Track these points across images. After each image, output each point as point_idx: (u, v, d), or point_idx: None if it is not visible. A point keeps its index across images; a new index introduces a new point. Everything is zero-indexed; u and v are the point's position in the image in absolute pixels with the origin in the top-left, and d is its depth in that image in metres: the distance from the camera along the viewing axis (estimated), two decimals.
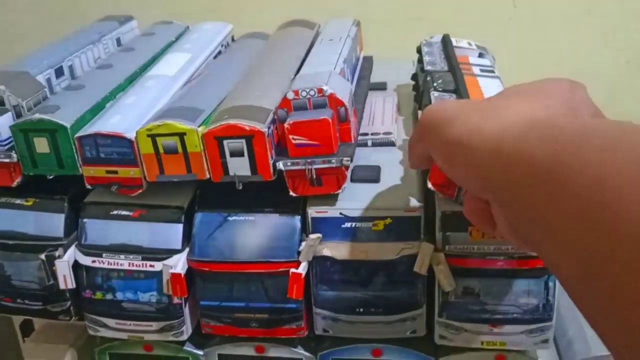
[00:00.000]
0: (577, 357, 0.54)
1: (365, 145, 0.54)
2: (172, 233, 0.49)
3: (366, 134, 0.54)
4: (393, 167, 0.50)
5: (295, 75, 0.49)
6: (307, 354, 0.52)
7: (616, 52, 0.82)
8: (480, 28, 0.82)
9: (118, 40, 0.64)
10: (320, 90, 0.44)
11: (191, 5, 0.81)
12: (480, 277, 0.46)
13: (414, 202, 0.46)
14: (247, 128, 0.43)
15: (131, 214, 0.49)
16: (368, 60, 0.64)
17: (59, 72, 0.54)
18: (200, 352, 0.53)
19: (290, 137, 0.44)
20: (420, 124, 0.38)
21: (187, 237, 0.49)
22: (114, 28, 0.64)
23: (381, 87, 0.66)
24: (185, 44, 0.61)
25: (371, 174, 0.49)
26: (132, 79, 0.54)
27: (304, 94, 0.44)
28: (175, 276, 0.47)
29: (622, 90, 0.83)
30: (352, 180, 0.48)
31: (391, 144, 0.54)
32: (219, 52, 0.63)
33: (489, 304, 0.46)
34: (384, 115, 0.58)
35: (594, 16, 0.80)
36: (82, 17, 0.74)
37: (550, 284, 0.45)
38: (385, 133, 0.55)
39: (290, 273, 0.46)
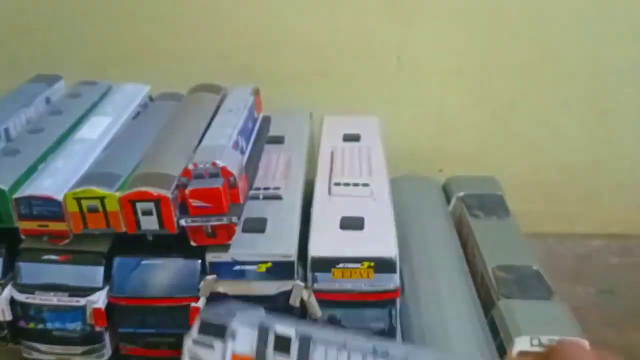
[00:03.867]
0: None
1: (257, 198, 0.66)
2: (94, 274, 0.59)
3: (259, 188, 0.67)
4: (278, 219, 0.63)
5: (198, 145, 0.61)
6: None
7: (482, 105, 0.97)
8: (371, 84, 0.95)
9: (47, 100, 0.73)
10: (214, 164, 0.56)
11: (114, 59, 0.91)
12: (341, 307, 0.58)
13: (289, 250, 0.58)
14: (155, 194, 0.55)
15: (59, 258, 0.60)
16: (266, 120, 0.77)
17: None
18: None
19: (190, 200, 0.56)
20: None
21: (107, 277, 0.60)
22: (44, 89, 0.73)
23: (279, 140, 0.78)
24: (107, 106, 0.71)
25: (258, 225, 0.61)
26: (60, 141, 0.65)
27: (201, 166, 0.56)
28: (96, 310, 0.58)
29: (489, 137, 0.98)
30: (243, 231, 0.61)
31: (279, 197, 0.66)
32: (138, 113, 0.73)
33: (348, 328, 0.59)
34: (276, 170, 0.71)
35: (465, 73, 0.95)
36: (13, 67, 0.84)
37: (393, 312, 0.59)
38: (274, 188, 0.67)
39: (191, 306, 0.57)
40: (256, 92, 0.74)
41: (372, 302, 0.58)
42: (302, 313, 0.60)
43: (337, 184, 0.67)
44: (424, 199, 0.89)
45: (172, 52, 0.89)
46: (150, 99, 0.78)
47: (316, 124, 0.85)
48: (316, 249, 0.58)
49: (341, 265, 0.56)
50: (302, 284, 0.58)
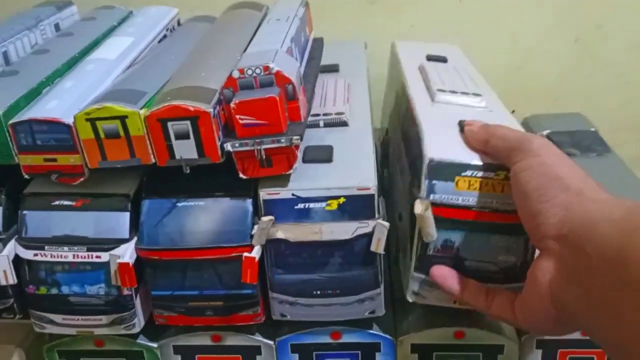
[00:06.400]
0: None
1: (317, 126, 0.52)
2: (118, 222, 0.47)
3: (318, 115, 0.53)
4: (346, 147, 0.49)
5: (242, 54, 0.48)
6: (265, 340, 0.51)
7: (566, 30, 0.83)
8: (431, 11, 0.82)
9: (57, 26, 0.61)
10: (267, 68, 0.43)
11: None
12: (462, 230, 0.44)
13: (367, 181, 0.45)
14: (192, 109, 0.42)
15: (74, 203, 0.47)
16: (318, 42, 0.63)
17: None
18: (155, 345, 0.51)
19: (237, 117, 0.42)
20: (528, 141, 0.39)
21: (135, 226, 0.47)
22: (52, 13, 0.61)
23: (333, 69, 0.65)
24: (128, 27, 0.59)
25: (323, 154, 0.48)
26: (70, 64, 0.52)
27: (249, 72, 0.43)
28: (123, 266, 0.45)
29: (570, 67, 0.84)
30: (304, 161, 0.47)
31: (344, 124, 0.53)
32: (164, 36, 0.60)
33: (467, 260, 0.44)
34: (335, 96, 0.57)
35: None
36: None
37: (530, 243, 0.43)
38: (337, 113, 0.54)
39: (243, 257, 0.44)
40: (306, 5, 0.60)
41: (504, 227, 0.43)
42: (410, 230, 0.45)
43: (442, 91, 0.52)
44: None
45: None
46: (179, 23, 0.65)
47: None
48: (435, 151, 0.43)
49: (469, 173, 0.42)
50: (386, 223, 0.44)
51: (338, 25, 0.79)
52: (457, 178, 0.42)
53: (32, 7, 0.62)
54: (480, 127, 0.44)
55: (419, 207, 0.42)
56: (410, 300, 0.47)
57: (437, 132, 0.45)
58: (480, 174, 0.42)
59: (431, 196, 0.43)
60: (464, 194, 0.42)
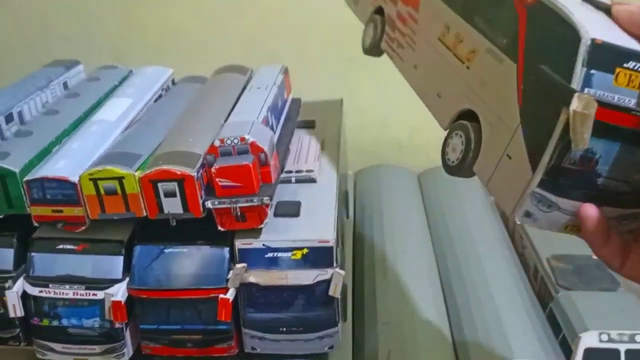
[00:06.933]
0: None
1: (289, 181, 0.60)
2: (113, 264, 0.54)
3: (290, 172, 0.61)
4: (312, 202, 0.57)
5: (224, 122, 0.56)
6: None
7: None
8: None
9: (65, 85, 0.69)
10: (243, 139, 0.51)
11: (136, 46, 0.86)
12: (611, 138, 0.34)
13: (327, 235, 0.52)
14: (179, 172, 0.49)
15: (75, 247, 0.54)
16: (296, 102, 0.71)
17: (9, 118, 0.59)
18: None
19: (217, 179, 0.50)
20: None
21: (127, 268, 0.54)
22: (61, 73, 0.69)
23: (310, 125, 0.73)
24: (127, 88, 0.67)
25: (292, 209, 0.55)
26: (77, 124, 0.60)
27: (228, 142, 0.51)
28: (116, 303, 0.53)
29: None
30: (275, 215, 0.55)
31: (312, 180, 0.60)
32: (160, 96, 0.69)
33: (600, 177, 0.35)
34: (308, 153, 0.65)
35: None
36: (32, 58, 0.79)
37: None
38: (307, 170, 0.61)
39: (219, 298, 0.52)
40: (285, 71, 0.69)
41: None
42: (541, 131, 0.34)
43: None
44: (462, 187, 0.83)
45: (196, 37, 0.84)
46: (173, 82, 0.73)
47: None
48: (593, 30, 0.33)
49: (631, 65, 0.33)
50: (342, 272, 0.52)
51: (315, 80, 0.87)
52: (617, 70, 0.33)
53: (42, 67, 0.70)
54: None
55: (577, 103, 0.32)
56: (519, 222, 0.37)
57: (579, 10, 0.35)
58: None
59: (585, 90, 0.33)
60: (622, 91, 0.33)
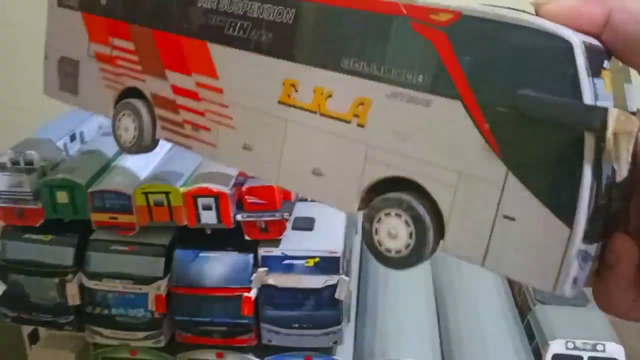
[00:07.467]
0: None
1: (306, 200, 0.71)
2: (156, 264, 0.65)
3: None
4: (325, 219, 0.67)
5: None
6: (256, 359, 0.68)
7: None
8: None
9: None
10: None
11: None
12: None
13: (336, 246, 0.63)
14: (215, 190, 0.60)
15: (126, 248, 0.65)
16: None
17: (73, 138, 0.70)
18: (174, 357, 0.69)
19: (246, 197, 0.61)
20: None
21: (168, 268, 0.65)
22: None
23: None
24: None
25: (307, 224, 0.66)
26: None
27: None
28: (158, 297, 0.63)
29: None
30: (292, 228, 0.65)
31: None
32: None
33: (614, 203, 0.29)
34: None
35: None
36: None
37: None
38: None
39: (243, 297, 0.62)
40: None
41: None
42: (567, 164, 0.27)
43: None
44: None
45: None
46: None
47: None
48: (566, 32, 0.27)
49: (606, 63, 0.28)
50: (347, 278, 0.62)
51: None
52: (603, 72, 0.28)
53: None
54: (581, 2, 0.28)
55: (614, 122, 0.26)
56: (569, 296, 0.29)
57: (520, 15, 0.29)
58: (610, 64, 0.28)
59: (597, 103, 0.27)
60: (609, 96, 0.28)
